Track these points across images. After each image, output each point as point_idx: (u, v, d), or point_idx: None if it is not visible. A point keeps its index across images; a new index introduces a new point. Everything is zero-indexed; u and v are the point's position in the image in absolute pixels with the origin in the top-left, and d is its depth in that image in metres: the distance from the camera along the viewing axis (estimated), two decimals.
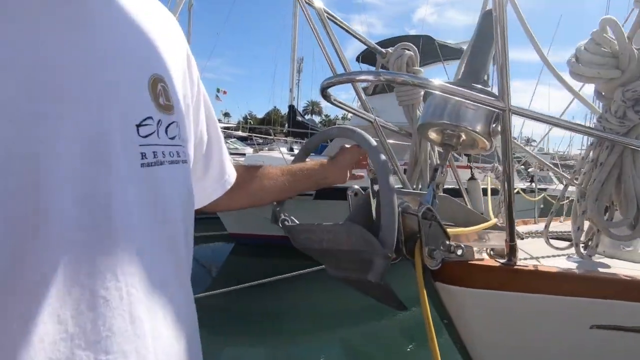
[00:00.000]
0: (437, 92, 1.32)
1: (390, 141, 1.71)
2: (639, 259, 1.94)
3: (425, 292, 1.10)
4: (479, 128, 1.21)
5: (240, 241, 6.97)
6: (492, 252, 1.57)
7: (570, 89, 1.39)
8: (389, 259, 0.85)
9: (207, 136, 0.72)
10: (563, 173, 2.16)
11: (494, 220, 1.43)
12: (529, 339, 1.40)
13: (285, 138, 12.69)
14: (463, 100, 1.25)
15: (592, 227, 1.41)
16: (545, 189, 7.59)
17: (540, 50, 1.43)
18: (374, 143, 0.99)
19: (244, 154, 12.49)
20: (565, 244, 1.48)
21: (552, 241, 1.48)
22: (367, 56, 10.76)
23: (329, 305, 4.49)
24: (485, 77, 1.32)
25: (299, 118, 13.49)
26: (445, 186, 1.47)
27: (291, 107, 13.16)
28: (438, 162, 1.64)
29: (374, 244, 0.83)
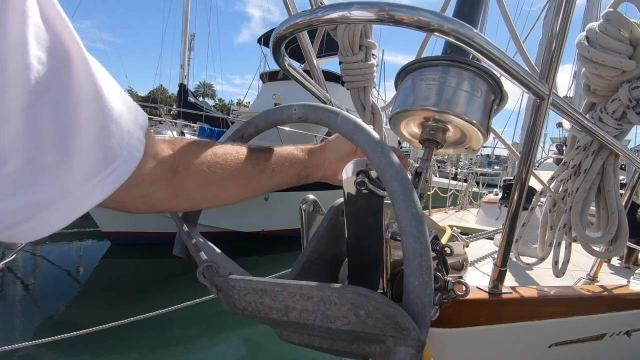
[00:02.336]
0: (424, 70, 0.98)
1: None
2: (535, 255, 2.02)
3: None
4: (477, 119, 0.92)
5: (116, 241, 5.80)
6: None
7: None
8: (423, 349, 0.47)
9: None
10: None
11: (448, 230, 1.18)
12: None
13: (174, 120, 11.23)
14: (455, 82, 0.94)
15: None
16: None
17: (514, 30, 1.24)
18: (377, 136, 0.59)
19: None
20: (533, 260, 1.36)
21: (478, 245, 1.34)
22: (267, 41, 10.15)
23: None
24: (476, 57, 1.02)
25: (191, 99, 12.14)
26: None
27: (182, 86, 11.71)
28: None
29: (409, 329, 0.44)
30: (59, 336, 2.17)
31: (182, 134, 10.53)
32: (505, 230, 0.92)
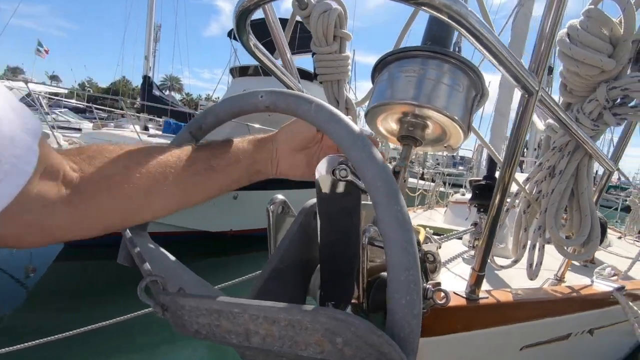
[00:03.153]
0: (402, 62, 0.92)
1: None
2: (508, 255, 2.04)
3: None
4: (458, 115, 0.86)
5: (70, 243, 5.40)
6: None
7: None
8: None
9: None
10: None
11: (422, 231, 1.13)
12: None
13: (138, 114, 10.68)
14: (436, 75, 0.88)
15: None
16: None
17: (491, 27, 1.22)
18: (357, 128, 0.52)
19: (80, 129, 9.97)
20: (508, 261, 1.34)
21: (496, 259, 1.31)
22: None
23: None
24: (457, 48, 0.97)
25: (156, 92, 11.60)
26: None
27: (146, 79, 11.15)
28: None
29: (394, 358, 0.37)
30: (4, 349, 1.95)
31: (146, 128, 10.02)
32: (485, 235, 0.88)
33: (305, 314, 0.40)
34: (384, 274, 0.79)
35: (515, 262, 1.23)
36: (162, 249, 0.71)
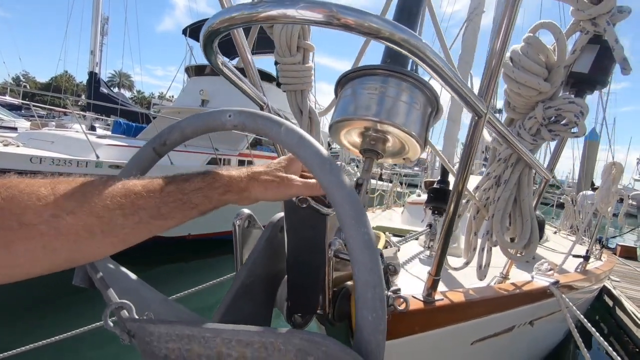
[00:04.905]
0: (364, 79, 0.96)
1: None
2: (459, 254, 2.19)
3: None
4: (416, 130, 0.92)
5: None
6: None
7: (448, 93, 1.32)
8: None
9: None
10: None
11: (383, 236, 1.19)
12: None
13: (83, 112, 9.97)
14: (395, 92, 0.93)
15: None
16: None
17: (445, 45, 1.31)
18: (326, 153, 0.54)
19: (15, 128, 9.11)
20: (460, 263, 1.43)
21: (449, 260, 1.40)
22: (196, 30, 9.52)
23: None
24: (414, 67, 1.03)
25: (104, 89, 10.90)
26: None
27: (92, 75, 10.44)
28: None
29: None
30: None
31: (93, 128, 9.38)
32: (441, 240, 0.95)
33: (278, 336, 0.41)
34: (349, 283, 0.83)
35: (467, 263, 1.32)
36: (123, 268, 0.68)
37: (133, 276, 0.69)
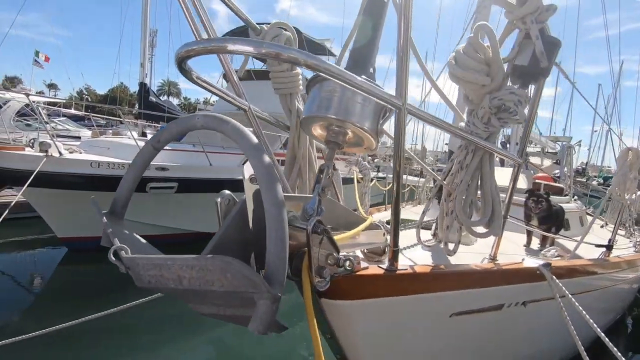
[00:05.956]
0: (325, 83, 1.16)
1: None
2: (470, 242, 2.27)
3: (314, 317, 0.94)
4: (367, 125, 1.10)
5: (73, 246, 5.63)
6: (367, 252, 1.53)
7: (442, 96, 1.45)
8: (277, 300, 0.64)
9: None
10: (434, 173, 2.37)
11: (370, 219, 1.37)
12: (402, 338, 1.43)
13: (136, 121, 10.94)
14: (351, 94, 1.12)
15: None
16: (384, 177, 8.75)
17: (421, 61, 1.44)
18: (256, 141, 0.75)
19: (79, 137, 10.22)
20: (433, 242, 1.57)
21: (406, 233, 1.54)
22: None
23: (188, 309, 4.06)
24: (372, 70, 1.21)
25: (153, 98, 11.83)
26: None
27: (142, 85, 11.39)
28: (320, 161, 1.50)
29: (259, 285, 0.61)
30: (9, 340, 2.17)
31: (144, 134, 10.28)
32: (392, 219, 1.11)
33: (207, 260, 0.63)
34: (305, 249, 1.03)
35: (440, 241, 1.46)
36: (136, 235, 0.94)
37: (142, 240, 0.94)
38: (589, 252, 2.67)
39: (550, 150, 8.82)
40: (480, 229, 1.38)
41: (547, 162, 8.01)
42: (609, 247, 2.78)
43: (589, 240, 3.13)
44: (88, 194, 5.48)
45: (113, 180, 5.01)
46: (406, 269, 1.24)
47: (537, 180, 5.64)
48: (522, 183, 4.53)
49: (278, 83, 1.53)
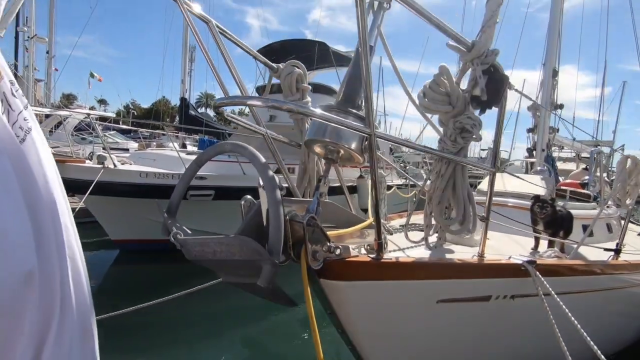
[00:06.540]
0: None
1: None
2: (473, 244, 2.50)
3: (309, 289, 1.28)
4: (353, 146, 1.44)
5: (125, 248, 6.30)
6: (368, 247, 1.85)
7: (425, 117, 1.74)
8: (276, 265, 0.98)
9: None
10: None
11: (369, 220, 1.70)
12: (393, 317, 1.72)
13: (177, 133, 11.86)
14: (340, 123, 1.46)
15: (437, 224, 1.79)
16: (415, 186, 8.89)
17: (406, 88, 1.74)
18: (262, 160, 1.11)
19: (127, 149, 11.24)
20: (420, 236, 1.85)
21: (410, 234, 1.83)
22: (264, 54, 10.71)
23: (225, 308, 4.47)
24: (360, 102, 1.55)
25: (192, 112, 12.74)
26: (336, 184, 1.65)
27: (183, 100, 12.34)
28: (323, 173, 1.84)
29: (262, 253, 0.96)
30: None
31: (184, 146, 11.15)
32: (375, 218, 1.42)
33: (231, 239, 0.99)
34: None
35: (424, 239, 1.75)
36: (184, 227, 1.33)
37: (188, 230, 1.33)
38: (600, 256, 2.76)
39: (585, 155, 8.59)
40: (456, 227, 1.66)
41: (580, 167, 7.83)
42: (617, 250, 2.87)
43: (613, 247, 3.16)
44: (137, 201, 6.09)
45: (158, 188, 5.61)
46: (391, 259, 1.55)
47: (562, 187, 5.61)
48: (541, 189, 4.59)
49: None
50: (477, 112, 1.46)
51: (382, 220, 1.49)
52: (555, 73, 6.40)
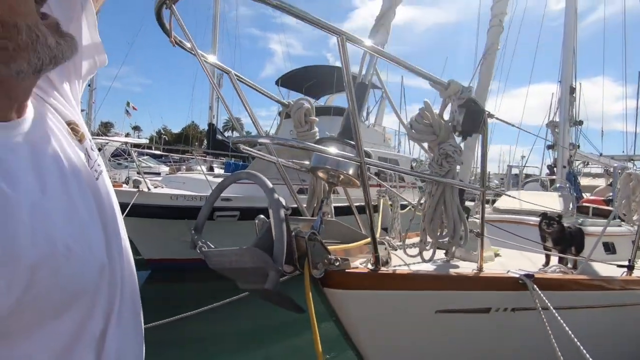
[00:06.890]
0: (323, 144, 1.76)
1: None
2: (474, 259, 2.61)
3: (311, 296, 1.49)
4: (351, 172, 1.67)
5: (157, 267, 6.68)
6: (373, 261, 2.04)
7: (419, 144, 1.95)
8: (279, 271, 1.21)
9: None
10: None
11: (368, 240, 1.89)
12: (392, 326, 1.88)
13: (204, 157, 12.51)
14: (336, 155, 1.68)
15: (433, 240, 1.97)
16: None
17: (399, 117, 1.96)
18: (270, 185, 1.36)
19: (159, 173, 11.95)
20: (415, 252, 2.02)
21: (408, 250, 2.01)
22: (286, 80, 11.37)
23: (248, 325, 4.68)
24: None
25: (219, 136, 13.42)
26: (360, 204, 1.85)
27: (211, 126, 13.06)
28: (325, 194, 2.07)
29: (268, 261, 1.19)
30: None
31: (212, 169, 11.74)
32: (370, 234, 1.63)
33: (244, 250, 1.22)
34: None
35: (419, 255, 1.93)
36: (208, 242, 1.59)
37: (212, 245, 1.58)
38: (614, 273, 2.78)
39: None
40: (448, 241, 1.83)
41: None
42: (630, 267, 2.88)
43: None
44: (169, 222, 6.47)
45: (188, 210, 6.00)
46: (388, 271, 1.73)
47: (584, 204, 5.53)
48: (558, 205, 4.59)
49: (301, 138, 2.16)
50: (459, 140, 1.66)
51: (387, 237, 1.70)
52: (572, 90, 6.42)
